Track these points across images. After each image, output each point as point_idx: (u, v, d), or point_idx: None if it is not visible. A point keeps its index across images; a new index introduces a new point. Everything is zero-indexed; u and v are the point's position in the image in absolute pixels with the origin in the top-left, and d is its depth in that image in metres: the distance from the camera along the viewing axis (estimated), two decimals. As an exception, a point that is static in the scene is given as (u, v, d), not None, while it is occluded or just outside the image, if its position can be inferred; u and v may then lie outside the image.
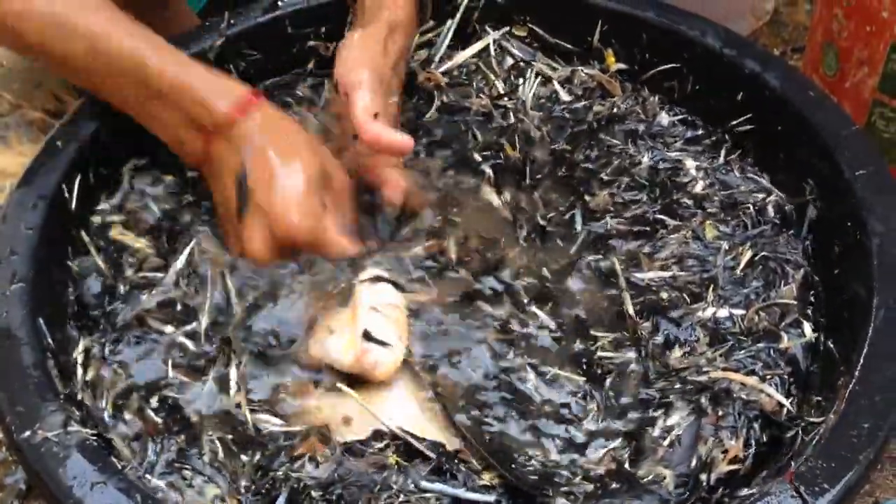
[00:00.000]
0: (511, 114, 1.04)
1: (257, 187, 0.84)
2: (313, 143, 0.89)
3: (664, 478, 0.76)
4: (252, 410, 0.79)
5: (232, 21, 1.04)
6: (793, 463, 0.70)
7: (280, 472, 0.75)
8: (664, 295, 0.88)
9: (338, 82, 0.93)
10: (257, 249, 0.85)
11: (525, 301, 0.88)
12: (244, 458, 0.76)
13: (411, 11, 0.99)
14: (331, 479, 0.74)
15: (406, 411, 0.80)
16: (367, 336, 0.80)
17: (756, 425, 0.79)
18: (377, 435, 0.77)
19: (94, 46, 0.84)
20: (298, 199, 0.83)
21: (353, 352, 0.80)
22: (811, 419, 0.76)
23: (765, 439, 0.78)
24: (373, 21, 0.95)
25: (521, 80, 1.08)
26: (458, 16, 1.10)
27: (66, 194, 0.89)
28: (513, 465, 0.76)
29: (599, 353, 0.84)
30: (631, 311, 0.86)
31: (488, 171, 0.98)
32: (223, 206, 0.88)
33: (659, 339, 0.85)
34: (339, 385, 0.80)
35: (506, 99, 1.06)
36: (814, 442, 0.72)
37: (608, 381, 0.82)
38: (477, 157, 1.00)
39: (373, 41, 0.94)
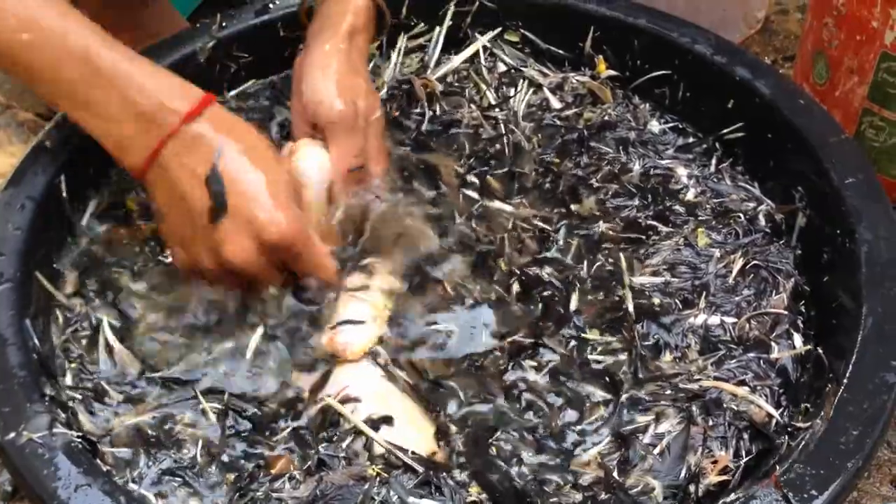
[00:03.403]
0: (501, 125, 1.03)
1: (236, 190, 0.79)
2: (272, 146, 0.85)
3: (653, 489, 0.75)
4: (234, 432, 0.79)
5: (224, 23, 1.04)
6: (778, 467, 0.70)
7: (260, 493, 0.74)
8: (656, 300, 0.88)
9: (307, 109, 0.91)
10: (243, 256, 0.80)
11: (516, 301, 0.88)
12: (219, 470, 0.76)
13: (369, 17, 0.97)
14: (312, 496, 0.74)
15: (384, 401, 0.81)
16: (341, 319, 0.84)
17: (745, 436, 0.79)
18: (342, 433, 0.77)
19: (38, 35, 0.78)
20: (284, 204, 0.80)
21: (328, 334, 0.84)
22: (799, 424, 0.76)
23: (754, 450, 0.78)
24: (333, 31, 0.94)
25: (512, 91, 1.08)
26: (446, 23, 1.10)
27: (54, 195, 0.89)
28: (498, 471, 0.76)
29: (590, 356, 0.84)
30: (631, 308, 0.86)
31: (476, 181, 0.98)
32: (183, 212, 0.81)
33: (650, 343, 0.85)
34: (323, 396, 0.81)
35: (496, 110, 1.05)
36: (801, 448, 0.72)
37: (598, 382, 0.82)
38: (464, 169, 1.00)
39: (337, 54, 0.92)
